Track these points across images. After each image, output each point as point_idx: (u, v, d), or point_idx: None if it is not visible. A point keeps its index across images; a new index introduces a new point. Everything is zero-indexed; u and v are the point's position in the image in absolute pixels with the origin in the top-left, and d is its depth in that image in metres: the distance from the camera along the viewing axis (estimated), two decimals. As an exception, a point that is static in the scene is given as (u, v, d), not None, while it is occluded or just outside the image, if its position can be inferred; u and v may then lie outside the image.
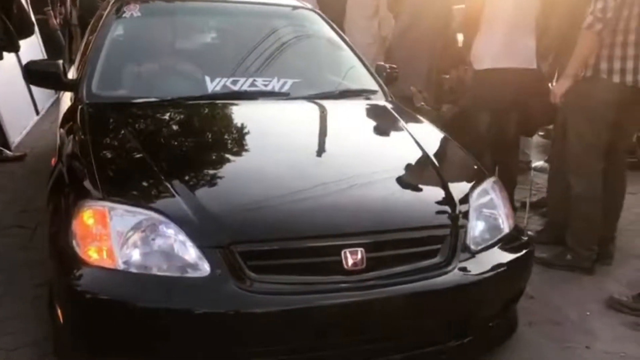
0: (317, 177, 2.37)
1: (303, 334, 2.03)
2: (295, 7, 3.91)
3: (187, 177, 2.26)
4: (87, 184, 2.23)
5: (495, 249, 2.35)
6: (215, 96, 3.06)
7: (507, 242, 2.41)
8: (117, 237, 2.05)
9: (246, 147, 2.61)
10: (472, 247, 2.28)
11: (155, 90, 3.07)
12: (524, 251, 2.43)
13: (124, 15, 3.44)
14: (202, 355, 1.99)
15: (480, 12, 3.86)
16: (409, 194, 2.43)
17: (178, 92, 3.07)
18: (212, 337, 1.96)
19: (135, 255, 2.03)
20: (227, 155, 2.51)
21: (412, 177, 2.55)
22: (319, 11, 3.98)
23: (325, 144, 2.73)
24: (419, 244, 2.20)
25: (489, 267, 2.27)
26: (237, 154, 2.55)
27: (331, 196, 2.24)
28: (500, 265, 2.30)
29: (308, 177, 2.36)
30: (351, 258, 2.05)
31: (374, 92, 3.41)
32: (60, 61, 3.28)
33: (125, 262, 2.02)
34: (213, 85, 3.09)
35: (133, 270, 2.01)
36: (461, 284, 2.18)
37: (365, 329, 2.09)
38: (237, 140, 2.67)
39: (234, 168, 2.42)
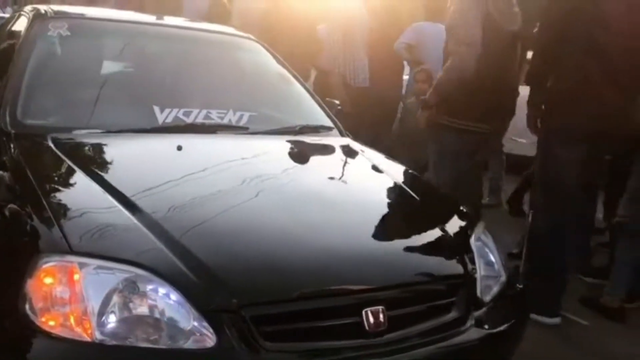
0: (320, 225, 2.06)
1: None
2: (238, 36, 3.64)
3: (169, 225, 1.85)
4: (44, 233, 1.79)
5: (501, 299, 2.19)
6: (167, 128, 2.69)
7: (509, 290, 2.27)
8: (92, 301, 1.63)
9: (231, 188, 2.21)
10: (483, 298, 2.11)
11: (97, 120, 2.62)
12: (523, 299, 2.31)
13: (49, 33, 3.00)
14: None
15: None
16: (415, 241, 2.20)
17: (125, 123, 2.66)
18: None
19: (117, 323, 1.62)
20: (211, 198, 2.11)
21: (412, 224, 2.33)
22: (261, 42, 3.73)
23: (315, 186, 2.43)
24: (434, 297, 1.99)
25: (501, 319, 2.11)
26: (223, 196, 2.14)
27: (340, 247, 1.96)
28: (510, 316, 2.16)
29: (310, 225, 2.04)
30: (372, 318, 1.79)
31: (330, 128, 3.21)
32: None
33: (104, 333, 1.61)
34: (163, 117, 2.72)
35: (115, 342, 1.61)
36: (480, 340, 1.99)
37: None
38: (217, 180, 2.28)
39: (223, 213, 2.03)
